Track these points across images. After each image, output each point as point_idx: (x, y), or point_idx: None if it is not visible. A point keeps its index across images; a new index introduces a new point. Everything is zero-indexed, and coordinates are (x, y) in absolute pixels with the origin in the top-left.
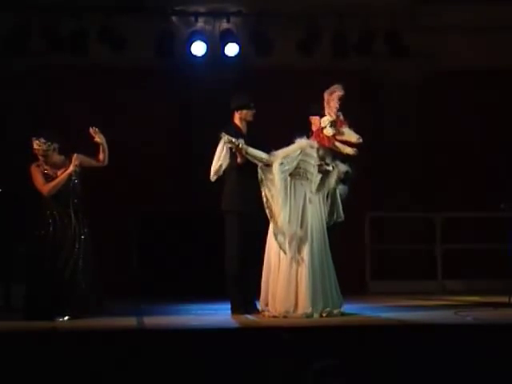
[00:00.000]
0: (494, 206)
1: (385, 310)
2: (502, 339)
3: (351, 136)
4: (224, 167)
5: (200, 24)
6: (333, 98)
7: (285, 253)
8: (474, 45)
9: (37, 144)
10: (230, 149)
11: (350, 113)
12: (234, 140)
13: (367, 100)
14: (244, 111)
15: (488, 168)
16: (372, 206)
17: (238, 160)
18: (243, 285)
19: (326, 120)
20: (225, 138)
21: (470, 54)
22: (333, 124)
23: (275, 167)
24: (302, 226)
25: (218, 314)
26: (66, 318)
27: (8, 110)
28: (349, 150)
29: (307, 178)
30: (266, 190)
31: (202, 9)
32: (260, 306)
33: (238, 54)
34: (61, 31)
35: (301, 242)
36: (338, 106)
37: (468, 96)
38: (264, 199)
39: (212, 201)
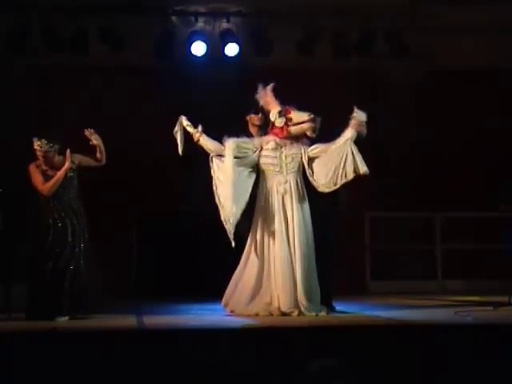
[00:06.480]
0: (494, 206)
1: (385, 310)
2: (502, 339)
3: (301, 116)
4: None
5: (200, 24)
6: (267, 95)
7: (231, 243)
8: (473, 45)
9: (38, 145)
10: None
11: (349, 113)
12: (191, 127)
13: (367, 100)
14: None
15: (488, 168)
16: (372, 206)
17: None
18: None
19: (272, 114)
20: (182, 120)
21: (469, 54)
22: (280, 114)
23: (228, 146)
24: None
25: (218, 314)
26: (66, 317)
27: (8, 110)
28: (305, 126)
29: (275, 171)
30: (216, 179)
31: (202, 9)
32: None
33: (238, 53)
34: (61, 31)
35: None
36: (273, 97)
37: (468, 96)
38: (214, 187)
39: (213, 201)
